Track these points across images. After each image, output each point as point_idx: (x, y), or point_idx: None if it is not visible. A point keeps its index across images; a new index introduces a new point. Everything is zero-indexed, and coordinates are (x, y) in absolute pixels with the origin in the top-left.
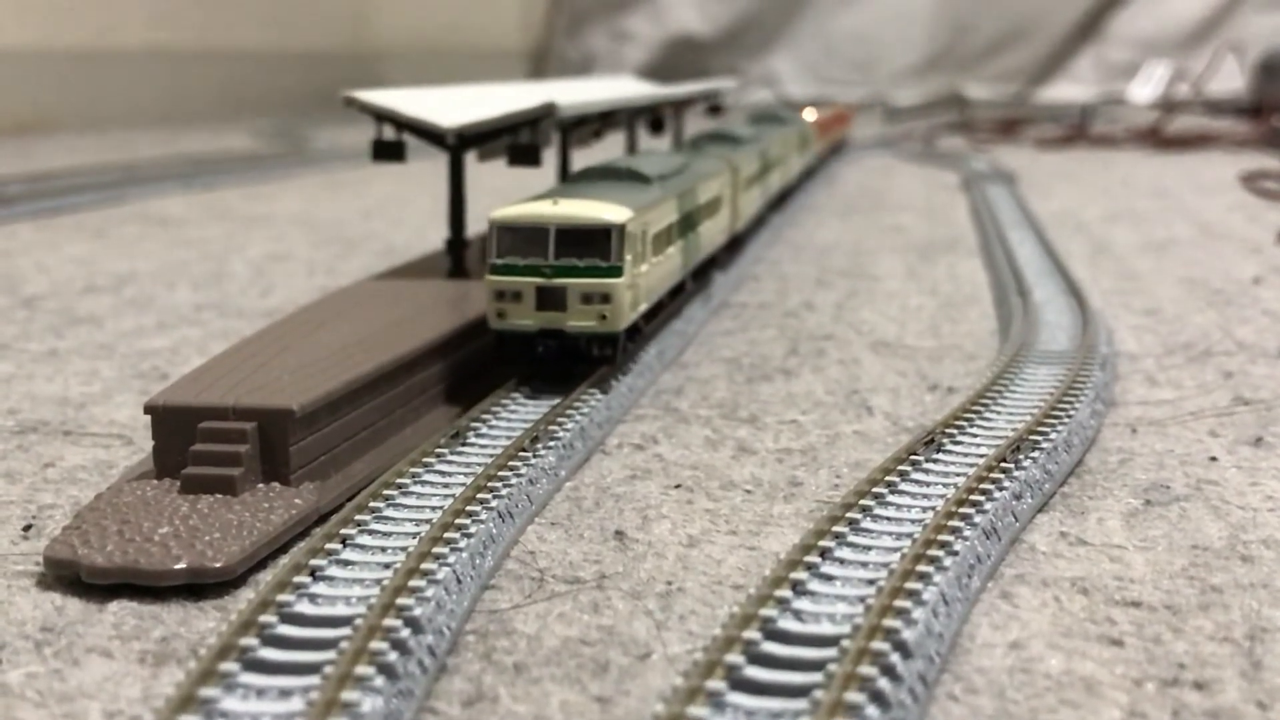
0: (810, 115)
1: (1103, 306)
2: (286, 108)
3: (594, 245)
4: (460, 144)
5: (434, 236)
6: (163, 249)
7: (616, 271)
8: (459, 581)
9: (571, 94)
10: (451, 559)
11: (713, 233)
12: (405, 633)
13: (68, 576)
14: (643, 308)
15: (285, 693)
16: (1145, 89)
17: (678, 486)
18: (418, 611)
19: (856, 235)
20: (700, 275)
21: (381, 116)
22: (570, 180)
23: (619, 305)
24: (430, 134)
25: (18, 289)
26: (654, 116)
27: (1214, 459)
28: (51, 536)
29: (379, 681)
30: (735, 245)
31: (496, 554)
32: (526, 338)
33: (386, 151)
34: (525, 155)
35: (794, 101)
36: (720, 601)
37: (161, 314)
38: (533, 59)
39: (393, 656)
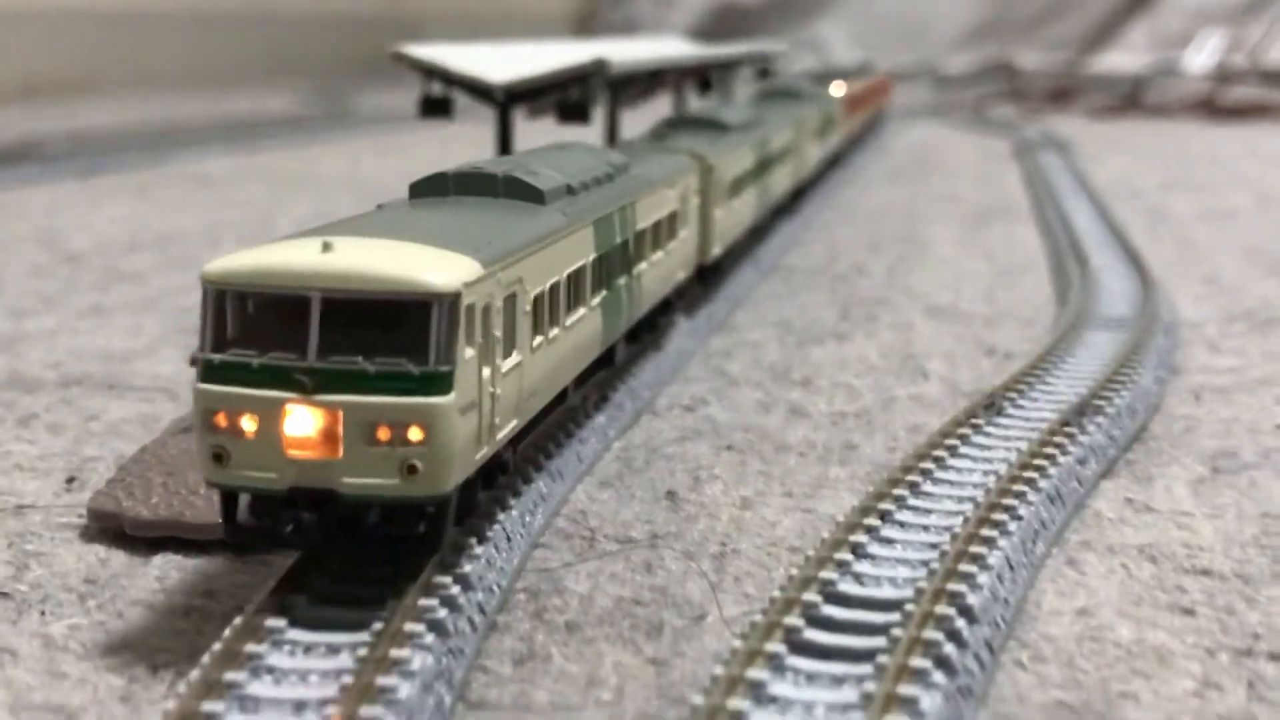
0: (839, 90)
1: (1163, 275)
2: (329, 71)
3: (399, 333)
4: (509, 100)
5: None
6: (206, 208)
7: (442, 382)
8: (509, 539)
9: (621, 52)
10: (501, 517)
11: (662, 271)
12: (455, 590)
13: (111, 529)
14: (508, 430)
15: (334, 649)
16: (1199, 58)
17: (729, 448)
18: (468, 569)
19: (907, 200)
20: (647, 323)
21: (430, 71)
22: (413, 194)
23: (445, 446)
24: (479, 89)
25: (61, 246)
26: (702, 78)
27: (1278, 426)
28: (95, 489)
29: (429, 639)
30: (714, 271)
31: (546, 512)
32: (267, 502)
33: (435, 108)
34: (574, 112)
35: (840, 69)
36: (776, 564)
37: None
38: (576, 23)
39: (443, 613)
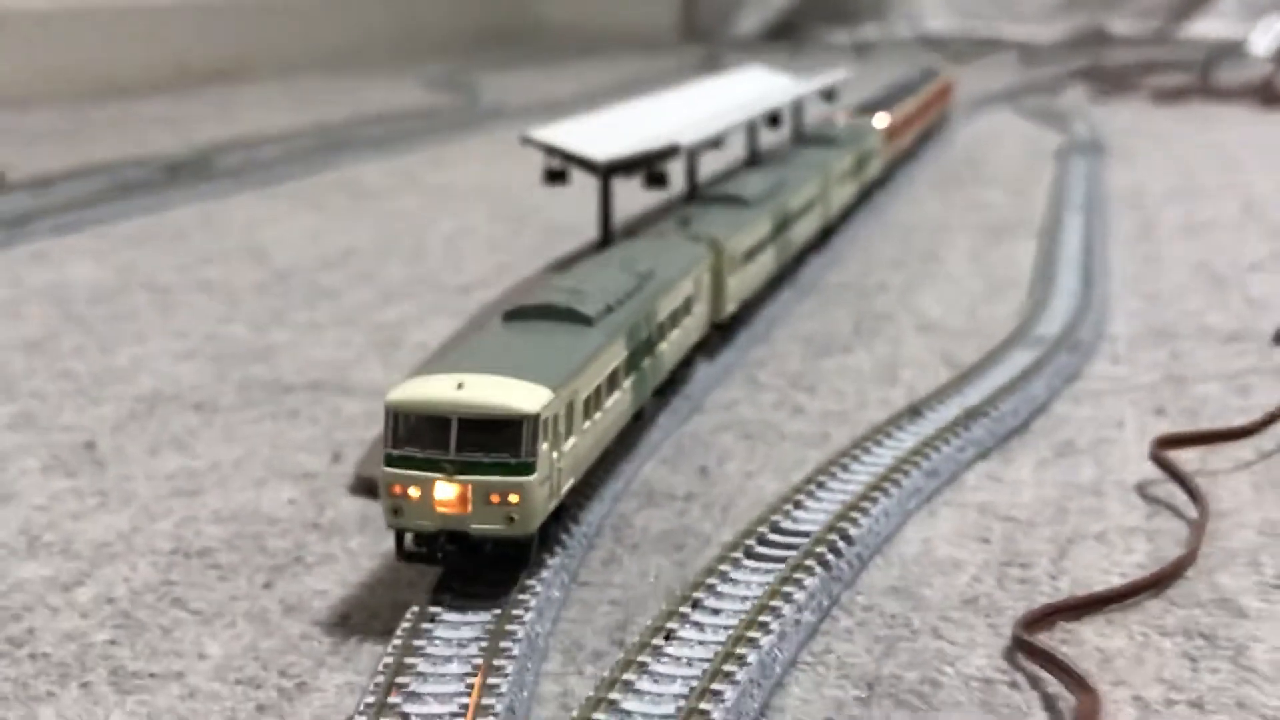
0: (881, 122)
1: (1119, 290)
2: (457, 47)
3: (502, 437)
4: (608, 171)
5: (589, 212)
6: (372, 222)
7: (528, 469)
8: (601, 499)
9: (699, 109)
10: (596, 486)
11: (679, 343)
12: (572, 526)
13: (370, 490)
14: (568, 486)
15: (482, 596)
16: (1264, 40)
17: (747, 437)
18: (578, 515)
19: (943, 213)
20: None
21: (550, 150)
22: (506, 320)
23: (531, 506)
24: (586, 164)
25: (269, 261)
26: (770, 115)
27: (1121, 424)
28: (354, 462)
29: (556, 558)
30: (730, 323)
31: (624, 480)
32: (428, 536)
33: (554, 178)
34: (657, 181)
35: (933, 38)
36: (756, 512)
37: (383, 287)
38: (681, 30)
39: (566, 537)
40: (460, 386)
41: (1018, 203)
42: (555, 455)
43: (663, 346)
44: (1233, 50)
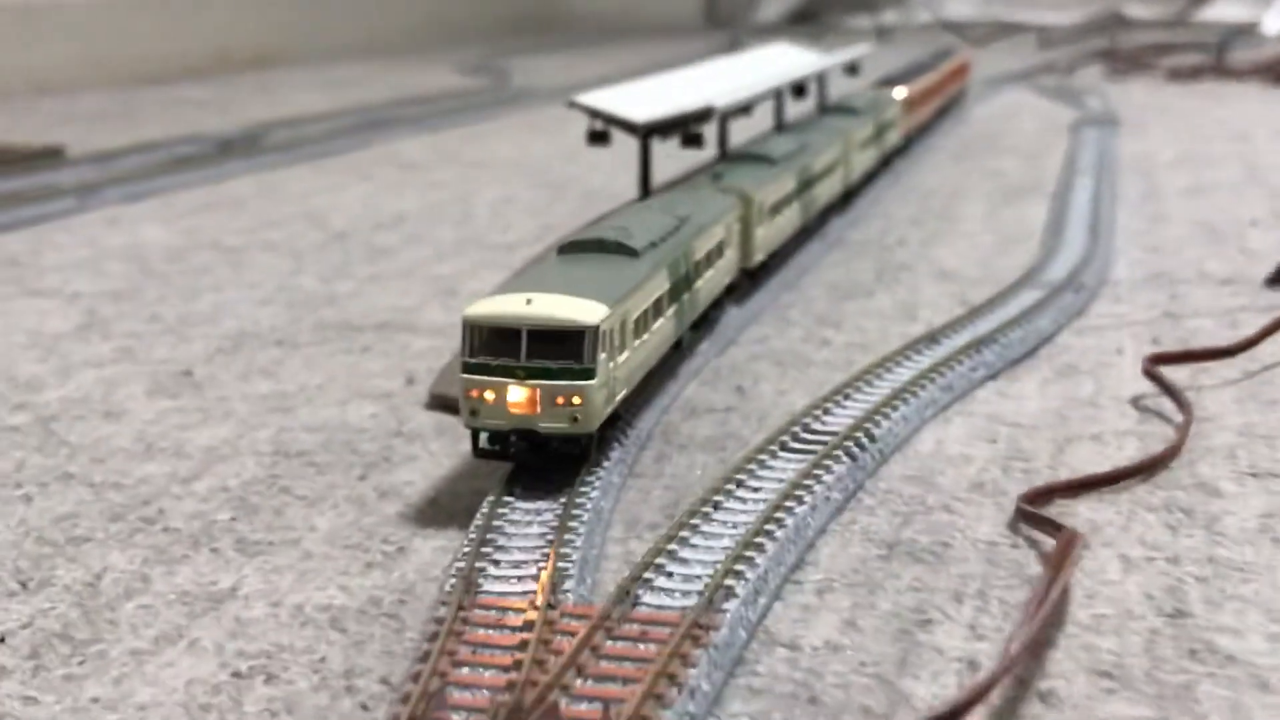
0: (900, 93)
1: (1123, 243)
2: (486, 35)
3: (566, 346)
4: (647, 133)
5: (625, 180)
6: (418, 191)
7: (590, 374)
8: (651, 411)
9: (730, 79)
10: (646, 400)
11: (712, 283)
12: (628, 429)
13: (444, 405)
14: (622, 394)
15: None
16: (1276, 21)
17: (779, 364)
18: (634, 421)
19: (960, 179)
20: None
21: (594, 113)
22: (560, 252)
23: (592, 407)
24: (627, 125)
25: (327, 224)
26: (796, 86)
27: (1120, 351)
28: (425, 386)
29: (614, 455)
30: (761, 270)
31: (671, 397)
32: (501, 435)
33: (597, 138)
34: (692, 141)
35: (953, 22)
36: (788, 419)
37: (435, 247)
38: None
39: (622, 438)
40: (529, 302)
41: (1031, 170)
42: (612, 365)
43: (699, 284)
44: (1247, 32)
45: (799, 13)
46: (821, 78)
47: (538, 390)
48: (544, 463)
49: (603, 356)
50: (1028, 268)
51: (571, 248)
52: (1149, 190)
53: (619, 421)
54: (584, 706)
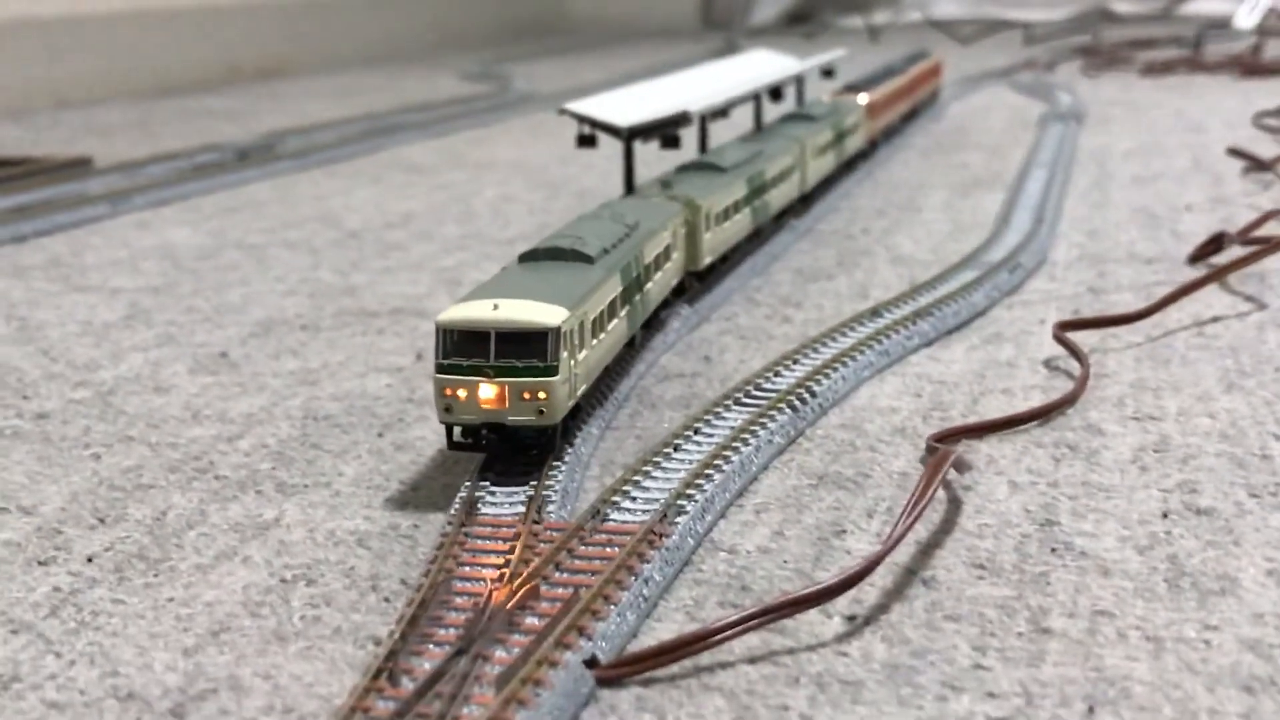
0: (864, 99)
1: (1066, 228)
2: (489, 42)
3: (531, 346)
4: (630, 136)
5: (615, 180)
6: (424, 193)
7: (553, 371)
8: (629, 377)
9: (709, 85)
10: (626, 368)
11: (661, 284)
12: (606, 394)
13: None
14: (583, 389)
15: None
16: (1249, 15)
17: (743, 338)
18: (611, 383)
19: (926, 173)
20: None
21: (582, 119)
22: (521, 261)
23: (556, 401)
24: (611, 130)
25: (341, 224)
26: (773, 90)
27: (1042, 322)
28: (432, 359)
29: (593, 415)
30: (708, 273)
31: (646, 365)
32: (472, 429)
33: (585, 142)
34: (671, 143)
35: (942, 21)
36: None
37: (441, 243)
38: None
39: (604, 402)
40: (496, 308)
41: (994, 163)
42: (572, 362)
43: (649, 286)
44: (1224, 26)
45: (793, 14)
46: (799, 80)
47: (506, 387)
48: (513, 453)
49: (564, 355)
50: (974, 251)
51: (531, 256)
52: (1099, 179)
53: (579, 414)
54: (559, 591)
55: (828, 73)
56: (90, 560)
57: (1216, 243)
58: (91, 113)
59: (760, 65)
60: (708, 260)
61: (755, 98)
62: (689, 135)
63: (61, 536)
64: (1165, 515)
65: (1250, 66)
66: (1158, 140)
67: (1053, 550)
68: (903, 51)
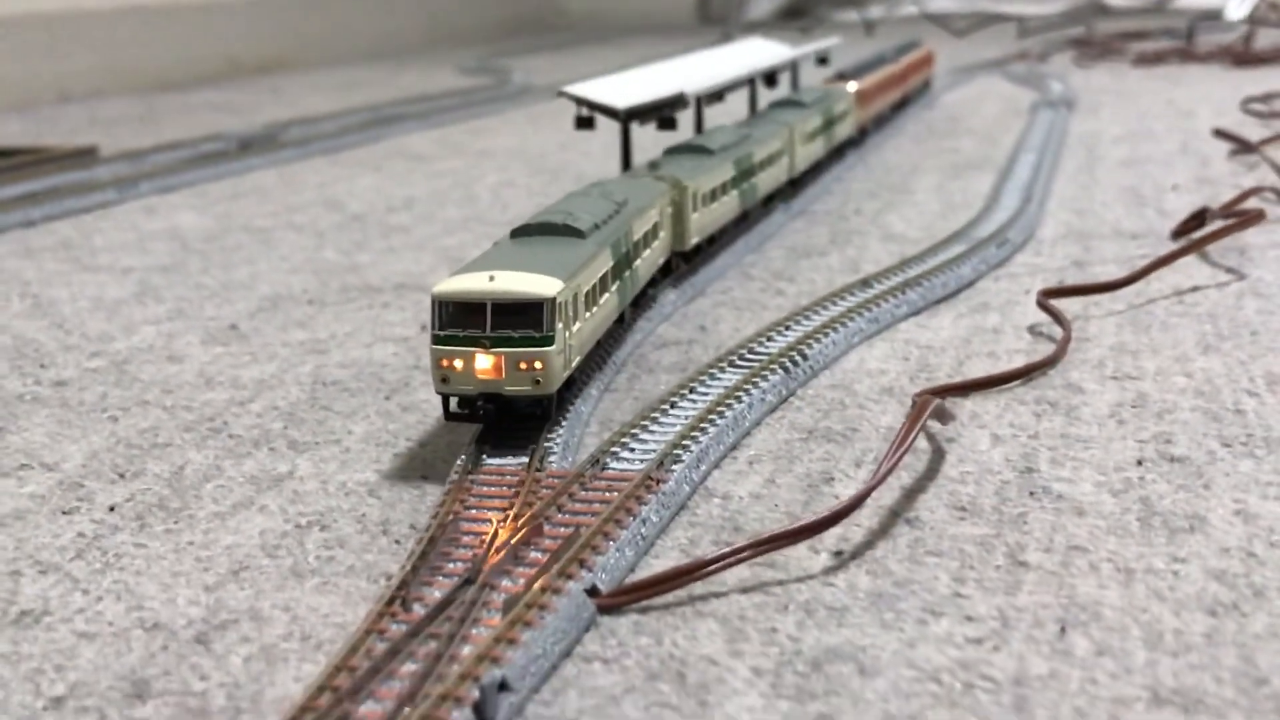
0: (853, 86)
1: (1054, 207)
2: (488, 37)
3: (528, 317)
4: (627, 118)
5: (612, 164)
6: (425, 179)
7: (549, 341)
8: (628, 344)
9: (705, 70)
10: (622, 337)
11: (649, 262)
12: (605, 359)
13: None
14: (577, 361)
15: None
16: (1240, 5)
17: (738, 309)
18: (609, 350)
19: (918, 157)
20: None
21: (580, 101)
22: (514, 236)
23: (552, 371)
24: (609, 112)
25: (344, 208)
26: (767, 75)
27: (1028, 292)
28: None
29: (594, 379)
30: (695, 252)
31: (644, 335)
32: (469, 399)
33: (583, 124)
34: (667, 124)
35: (937, 14)
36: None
37: (443, 224)
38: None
39: (603, 368)
40: (492, 279)
41: (985, 148)
42: (567, 334)
43: (638, 263)
44: (1216, 17)
45: (789, 9)
46: (794, 67)
47: (503, 357)
48: (510, 423)
49: (559, 325)
50: (963, 228)
51: (523, 231)
52: (1087, 162)
53: (574, 384)
54: (561, 530)
55: (822, 60)
56: (112, 509)
57: (1199, 218)
58: (94, 106)
59: (756, 52)
60: (695, 240)
61: (750, 82)
62: (685, 120)
63: (84, 489)
64: (1140, 463)
65: (1241, 56)
66: (1147, 126)
67: (1031, 494)
68: (904, 40)
